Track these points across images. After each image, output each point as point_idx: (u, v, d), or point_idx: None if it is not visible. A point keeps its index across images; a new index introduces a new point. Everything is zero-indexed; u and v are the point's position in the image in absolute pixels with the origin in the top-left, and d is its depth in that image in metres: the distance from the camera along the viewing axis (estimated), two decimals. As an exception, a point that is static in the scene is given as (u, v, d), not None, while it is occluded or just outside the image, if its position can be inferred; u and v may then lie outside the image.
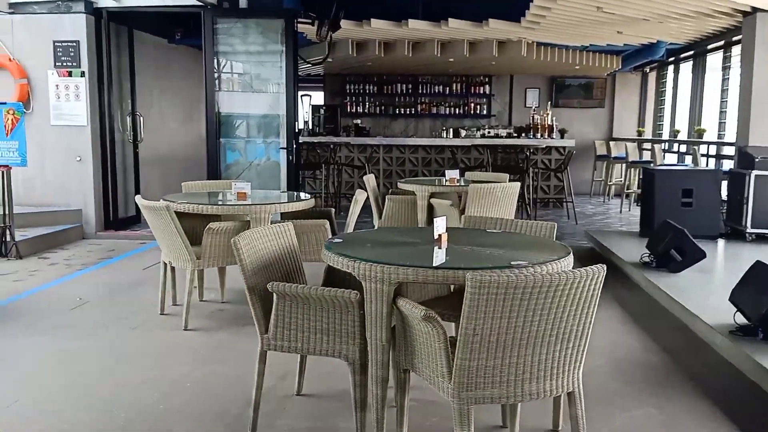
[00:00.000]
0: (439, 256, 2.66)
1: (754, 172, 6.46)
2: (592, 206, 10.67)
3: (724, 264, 5.85)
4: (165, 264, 4.49)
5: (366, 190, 5.94)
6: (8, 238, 6.45)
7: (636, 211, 9.01)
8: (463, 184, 5.95)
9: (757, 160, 6.49)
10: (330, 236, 4.41)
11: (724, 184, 7.09)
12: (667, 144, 11.33)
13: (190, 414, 3.00)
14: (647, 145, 11.71)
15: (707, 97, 10.05)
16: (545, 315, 2.09)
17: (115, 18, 7.91)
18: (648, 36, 9.49)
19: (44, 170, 7.70)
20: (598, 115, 13.16)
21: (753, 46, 7.16)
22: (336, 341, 2.59)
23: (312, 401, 3.17)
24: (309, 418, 2.98)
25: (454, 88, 13.20)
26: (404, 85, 13.19)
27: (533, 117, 10.79)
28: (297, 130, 7.69)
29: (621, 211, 9.82)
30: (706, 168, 8.73)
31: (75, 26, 7.50)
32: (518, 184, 5.39)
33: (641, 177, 7.92)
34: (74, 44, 7.51)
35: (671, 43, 9.99)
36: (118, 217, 8.02)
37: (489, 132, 10.99)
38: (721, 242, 6.53)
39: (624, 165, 10.64)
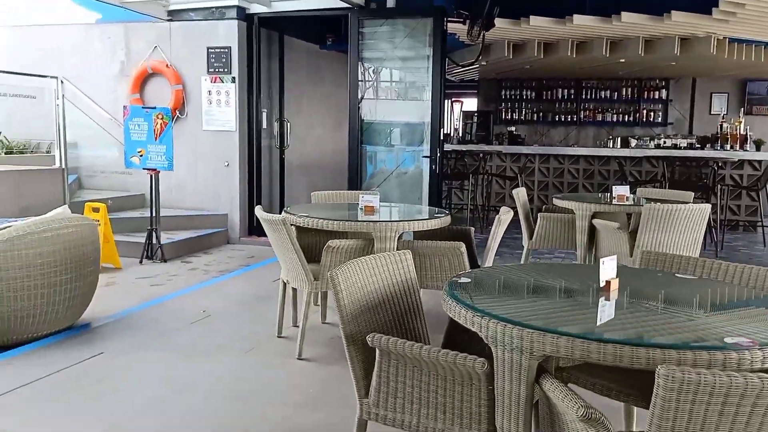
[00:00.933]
0: (607, 315, 1.90)
1: None
2: (795, 232, 8.90)
3: None
4: (284, 282, 4.09)
5: (515, 206, 5.18)
6: (154, 241, 6.53)
7: None
8: (633, 202, 4.97)
9: None
10: (465, 263, 3.73)
11: None
12: None
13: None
14: None
15: None
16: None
17: (267, 24, 7.86)
18: None
19: (196, 175, 7.83)
20: (803, 124, 11.11)
21: None
22: (455, 422, 1.93)
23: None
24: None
25: (624, 92, 11.86)
26: (565, 90, 12.11)
27: (721, 125, 9.26)
28: (442, 138, 7.09)
29: (835, 241, 8.03)
30: None
31: (228, 32, 7.54)
32: (708, 206, 4.33)
33: None
34: (226, 50, 7.54)
35: None
36: (260, 223, 7.95)
37: (665, 142, 9.62)
38: None
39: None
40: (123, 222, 7.15)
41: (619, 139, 10.47)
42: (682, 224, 4.28)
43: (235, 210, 7.73)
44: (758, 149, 9.04)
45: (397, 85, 8.01)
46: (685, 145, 9.41)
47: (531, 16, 7.58)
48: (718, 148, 9.02)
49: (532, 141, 11.53)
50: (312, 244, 4.31)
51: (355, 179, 7.28)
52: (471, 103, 13.10)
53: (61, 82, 6.75)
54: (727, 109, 11.15)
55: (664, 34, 8.32)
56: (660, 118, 11.74)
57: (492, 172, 9.51)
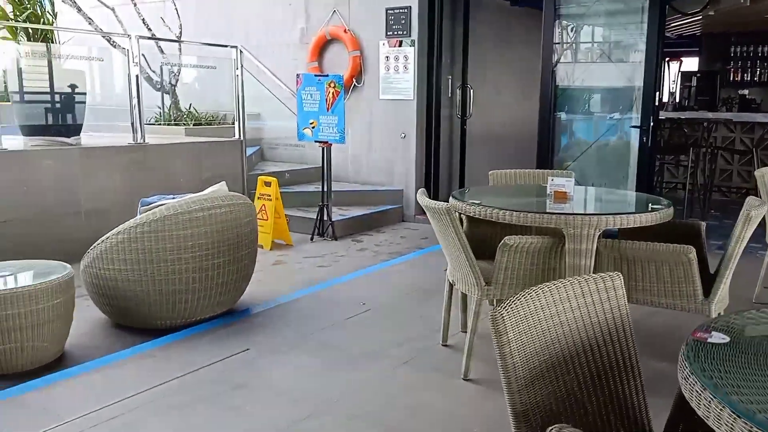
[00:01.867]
0: None
1: None
2: None
3: None
4: (449, 281, 3.40)
5: (759, 195, 3.93)
6: (325, 218, 6.21)
7: None
8: None
9: None
10: (695, 276, 2.72)
11: None
12: None
13: None
14: None
15: None
16: None
17: (450, -21, 7.10)
18: None
19: (371, 147, 7.41)
20: None
21: None
22: None
23: None
24: None
25: None
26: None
27: None
28: (656, 105, 5.83)
29: None
30: None
31: (408, -9, 6.91)
32: None
33: None
34: (406, 11, 6.93)
35: None
36: (438, 199, 7.31)
37: None
38: None
39: None
40: (298, 196, 6.96)
41: None
42: None
43: (411, 185, 7.19)
44: None
45: (601, 45, 6.82)
46: None
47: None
48: None
49: (768, 107, 9.49)
50: (487, 237, 3.55)
51: (546, 154, 6.32)
52: (690, 63, 11.18)
53: (240, 51, 6.64)
54: None
55: None
56: None
57: (717, 144, 7.87)
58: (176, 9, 7.86)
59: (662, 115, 7.93)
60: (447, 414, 2.78)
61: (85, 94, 5.56)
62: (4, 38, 5.29)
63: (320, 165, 7.61)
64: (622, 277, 1.67)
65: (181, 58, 7.67)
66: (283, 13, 7.87)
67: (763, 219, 3.29)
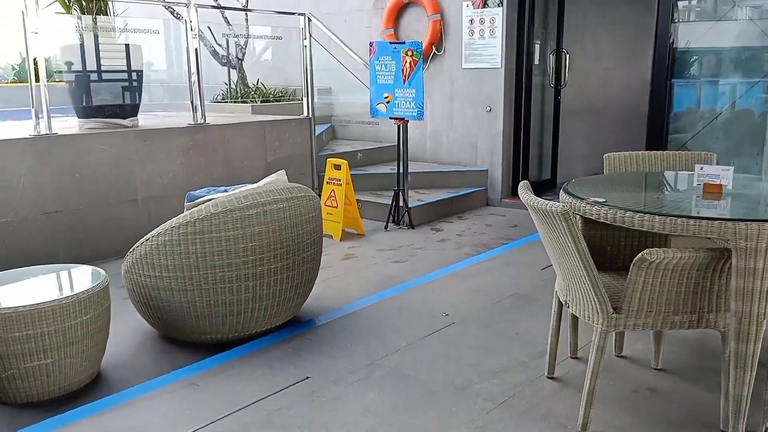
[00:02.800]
0: None
1: None
2: None
3: None
4: (559, 299, 2.67)
5: None
6: (401, 203, 5.56)
7: None
8: None
9: None
10: None
11: None
12: None
13: None
14: None
15: None
16: None
17: (545, -73, 6.17)
18: None
19: (452, 122, 6.66)
20: None
21: None
22: None
23: None
24: None
25: None
26: None
27: None
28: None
29: None
30: None
31: (495, -57, 6.05)
32: None
33: None
34: (492, -34, 6.08)
35: None
36: (527, 179, 6.49)
37: None
38: None
39: None
40: (371, 179, 6.34)
41: None
42: None
43: (497, 165, 6.41)
44: None
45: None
46: None
47: None
48: None
49: None
50: (601, 240, 2.79)
51: (659, 128, 5.39)
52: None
53: (309, 20, 6.02)
54: None
55: None
56: None
57: None
58: (242, -23, 7.32)
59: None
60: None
61: (141, 71, 5.11)
62: (58, 13, 4.89)
63: (395, 143, 6.96)
64: None
65: (248, 30, 7.15)
66: (354, -24, 7.18)
67: None
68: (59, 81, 5.07)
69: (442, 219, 5.89)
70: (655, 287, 2.21)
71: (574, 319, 2.91)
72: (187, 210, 3.12)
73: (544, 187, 6.77)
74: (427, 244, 5.09)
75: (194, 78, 5.26)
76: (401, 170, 5.54)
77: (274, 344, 3.15)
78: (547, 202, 2.27)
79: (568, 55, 6.60)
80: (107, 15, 4.88)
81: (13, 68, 12.69)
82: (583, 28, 7.27)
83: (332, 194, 5.35)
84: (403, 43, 5.30)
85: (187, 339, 3.17)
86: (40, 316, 2.55)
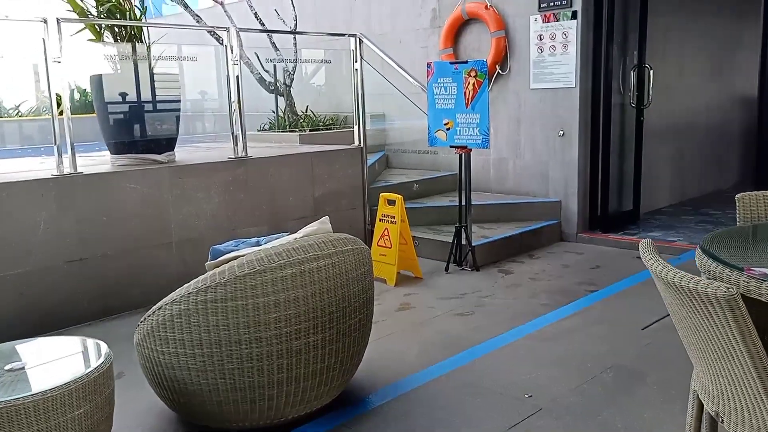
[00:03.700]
0: None
1: None
2: None
3: None
4: (700, 400, 1.96)
5: None
6: (464, 241, 4.91)
7: None
8: None
9: None
10: None
11: None
12: None
13: None
14: None
15: None
16: None
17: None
18: None
19: (520, 149, 5.99)
20: None
21: None
22: None
23: None
24: None
25: None
26: None
27: None
28: None
29: None
30: None
31: (567, -51, 5.40)
32: None
33: None
34: (564, -25, 5.43)
35: None
36: (608, 213, 5.75)
37: None
38: None
39: None
40: (429, 212, 5.72)
41: None
42: None
43: (572, 196, 5.68)
44: None
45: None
46: None
47: None
48: None
49: None
50: (759, 319, 2.07)
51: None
52: None
53: (360, 41, 5.50)
54: None
55: None
56: None
57: None
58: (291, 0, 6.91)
59: None
60: None
61: (179, 101, 4.68)
62: (90, 40, 4.52)
63: (455, 172, 6.34)
64: None
65: (296, 54, 6.71)
66: (410, -8, 6.65)
67: None
68: (88, 113, 4.69)
69: (510, 258, 5.20)
70: None
71: (712, 425, 2.19)
72: (208, 270, 2.58)
73: (626, 220, 5.99)
74: (495, 290, 4.41)
75: (235, 107, 4.79)
76: (463, 204, 4.90)
77: (311, 439, 2.55)
78: (692, 277, 1.58)
79: (651, 71, 5.84)
80: (142, 42, 4.48)
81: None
82: (666, 40, 6.50)
83: (385, 233, 4.75)
84: (465, 62, 4.69)
85: (212, 426, 2.61)
86: (18, 414, 2.02)
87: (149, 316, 2.54)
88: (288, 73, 6.77)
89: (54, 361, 2.36)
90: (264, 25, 6.67)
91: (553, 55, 5.60)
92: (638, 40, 5.88)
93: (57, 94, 3.85)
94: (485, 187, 6.23)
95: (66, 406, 2.11)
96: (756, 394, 1.56)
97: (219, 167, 4.63)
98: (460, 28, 6.22)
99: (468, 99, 4.69)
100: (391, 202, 4.75)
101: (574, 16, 5.43)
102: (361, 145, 5.58)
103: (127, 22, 4.45)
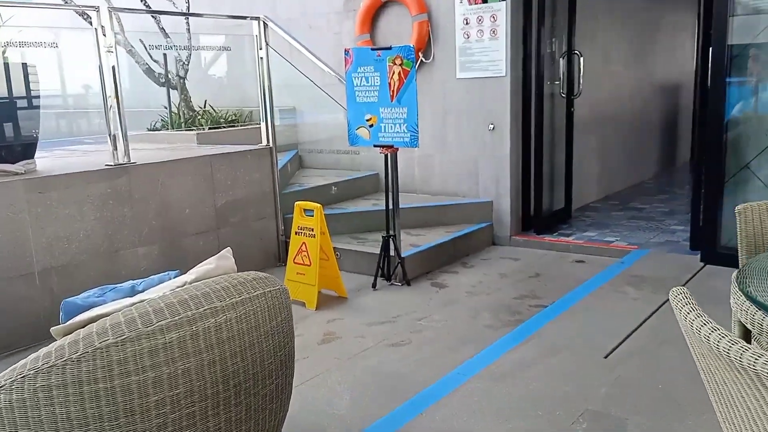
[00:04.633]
0: None
1: None
2: None
3: None
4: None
5: None
6: (392, 253, 4.32)
7: None
8: None
9: None
10: None
11: None
12: None
13: None
14: None
15: None
16: None
17: None
18: None
19: (446, 144, 5.46)
20: None
21: None
22: None
23: None
24: None
25: None
26: None
27: None
28: None
29: None
30: None
31: (492, -77, 4.90)
32: None
33: None
34: (490, -48, 4.92)
35: None
36: (541, 213, 5.33)
37: None
38: None
39: None
40: (349, 219, 5.08)
41: None
42: None
43: (504, 195, 5.22)
44: None
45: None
46: None
47: None
48: None
49: None
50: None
51: (717, 141, 4.26)
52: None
53: (264, 25, 4.76)
54: None
55: None
56: None
57: None
58: (182, -23, 6.03)
59: None
60: None
61: (37, 97, 3.77)
62: None
63: (375, 171, 5.76)
64: None
65: (190, 41, 5.86)
66: (319, -28, 5.95)
67: None
68: None
69: (443, 268, 4.66)
70: None
71: None
72: (56, 336, 1.82)
73: (558, 219, 5.61)
74: (430, 309, 3.85)
75: (112, 103, 3.94)
76: (391, 211, 4.30)
77: None
78: (760, 354, 1.04)
79: (582, 59, 5.46)
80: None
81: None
82: (593, 25, 6.17)
83: (303, 248, 4.08)
84: (389, 48, 4.08)
85: None
86: None
87: (-34, 411, 1.75)
88: (181, 63, 5.91)
89: None
90: (149, 6, 5.77)
91: (481, 41, 5.10)
92: (568, 24, 5.48)
93: None
94: (410, 188, 5.67)
95: None
96: None
97: (93, 177, 3.78)
98: (377, 11, 5.60)
99: (393, 91, 4.08)
100: (309, 212, 4.07)
101: (502, -2, 4.94)
102: (270, 144, 4.86)
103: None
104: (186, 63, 5.89)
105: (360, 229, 5.04)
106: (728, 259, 3.73)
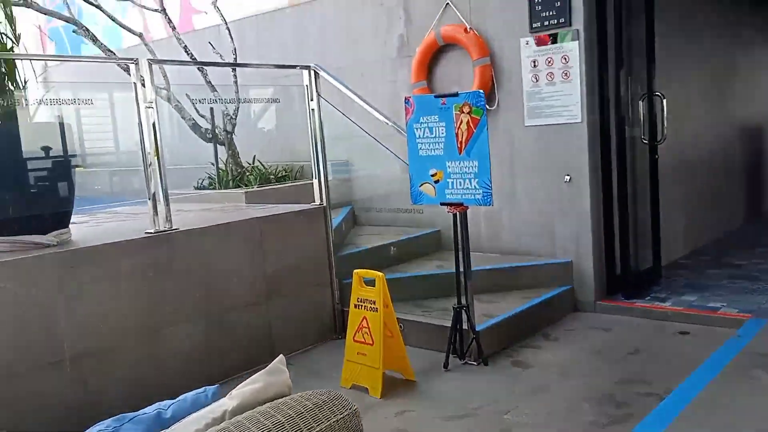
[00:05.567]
0: None
1: None
2: None
3: None
4: None
5: None
6: (464, 326, 3.76)
7: None
8: None
9: None
10: None
11: None
12: None
13: None
14: None
15: None
16: None
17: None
18: None
19: (514, 197, 4.93)
20: None
21: None
22: None
23: None
24: None
25: None
26: None
27: None
28: None
29: None
30: None
31: (563, -43, 4.46)
32: None
33: None
34: (561, -12, 4.48)
35: None
36: (628, 273, 4.69)
37: None
38: None
39: None
40: (412, 284, 4.56)
41: None
42: None
43: (586, 255, 4.63)
44: None
45: None
46: None
47: None
48: None
49: None
50: None
51: None
52: None
53: (315, 74, 4.39)
54: None
55: None
56: None
57: None
58: (228, 30, 5.79)
59: None
60: None
61: (69, 160, 3.44)
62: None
63: (438, 228, 5.27)
64: None
65: (237, 94, 5.56)
66: (372, 18, 5.62)
67: None
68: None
69: (522, 342, 4.07)
70: None
71: None
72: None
73: (648, 280, 4.95)
74: (517, 397, 3.26)
75: (152, 162, 3.58)
76: (461, 278, 3.77)
77: None
78: None
79: (664, 100, 4.90)
80: (15, 82, 3.24)
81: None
82: (673, 63, 5.63)
83: (364, 324, 3.57)
84: (456, 95, 3.62)
85: None
86: None
87: None
88: (229, 117, 5.60)
89: None
90: (195, 58, 5.52)
91: (552, 84, 4.61)
92: (647, 63, 4.95)
93: None
94: (476, 246, 5.12)
95: None
96: None
97: (131, 247, 3.38)
98: (434, 56, 5.20)
99: (461, 142, 3.60)
100: (369, 282, 3.58)
101: (575, 37, 4.46)
102: (324, 203, 4.42)
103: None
104: (233, 117, 5.59)
105: (423, 294, 4.52)
106: None
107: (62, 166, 3.38)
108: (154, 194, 3.59)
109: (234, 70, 5.42)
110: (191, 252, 3.62)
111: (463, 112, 3.60)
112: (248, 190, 5.19)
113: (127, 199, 6.25)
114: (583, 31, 4.45)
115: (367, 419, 3.09)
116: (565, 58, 4.53)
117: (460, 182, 3.65)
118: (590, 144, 4.55)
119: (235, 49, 5.65)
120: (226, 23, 5.77)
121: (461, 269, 3.77)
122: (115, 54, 5.39)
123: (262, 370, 1.62)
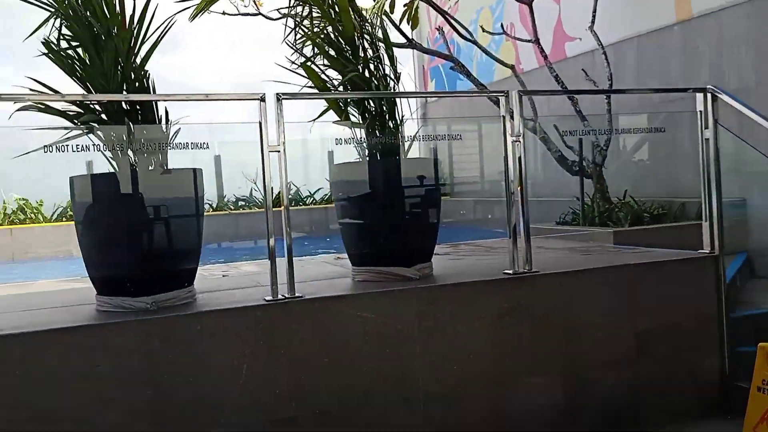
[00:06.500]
0: None
1: None
2: None
3: None
4: None
5: None
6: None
7: None
8: None
9: None
10: None
11: None
12: None
13: None
14: None
15: None
16: None
17: None
18: None
19: None
20: None
21: None
22: None
23: None
24: None
25: None
26: None
27: None
28: None
29: None
30: None
31: None
32: None
33: None
34: None
35: None
36: None
37: None
38: None
39: None
40: None
41: None
42: None
43: None
44: None
45: None
46: None
47: None
48: None
49: None
50: None
51: None
52: None
53: (713, 97, 3.62)
54: None
55: None
56: None
57: None
58: (605, 55, 5.34)
59: None
60: None
61: (438, 198, 3.44)
62: (337, 122, 3.60)
63: None
64: None
65: (611, 123, 5.07)
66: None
67: None
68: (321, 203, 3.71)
69: None
70: None
71: None
72: None
73: None
74: None
75: (516, 197, 3.35)
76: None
77: None
78: None
79: None
80: (395, 120, 3.38)
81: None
82: None
83: (772, 418, 2.69)
84: None
85: None
86: None
87: None
88: (599, 149, 5.12)
89: None
90: (566, 88, 5.21)
91: None
92: None
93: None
94: None
95: None
96: None
97: (490, 288, 3.19)
98: None
99: None
100: None
101: None
102: (716, 251, 3.60)
103: (379, 94, 3.42)
104: (604, 148, 5.09)
105: None
106: None
107: (432, 202, 3.39)
108: (514, 229, 3.35)
109: (608, 97, 4.94)
110: (551, 297, 3.27)
111: None
112: (618, 229, 4.62)
113: (488, 227, 6.26)
114: None
115: None
116: None
117: None
118: None
119: (610, 75, 5.16)
120: (602, 47, 5.33)
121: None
122: (486, 87, 5.44)
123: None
